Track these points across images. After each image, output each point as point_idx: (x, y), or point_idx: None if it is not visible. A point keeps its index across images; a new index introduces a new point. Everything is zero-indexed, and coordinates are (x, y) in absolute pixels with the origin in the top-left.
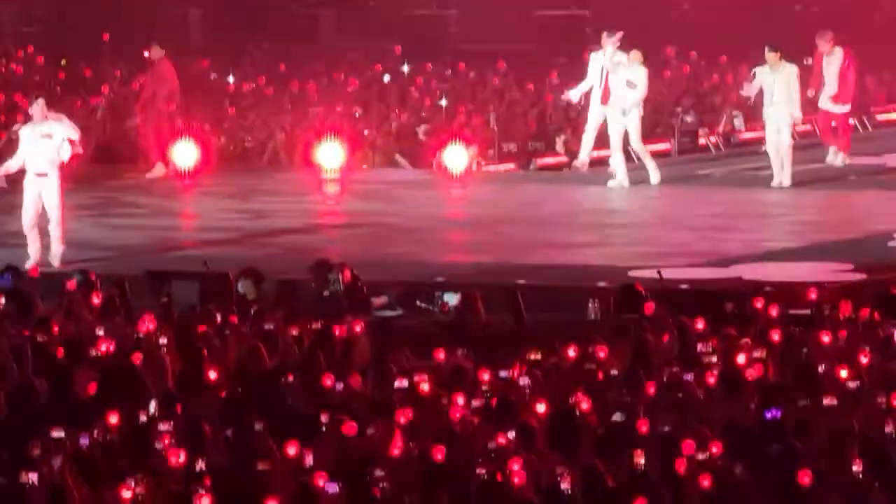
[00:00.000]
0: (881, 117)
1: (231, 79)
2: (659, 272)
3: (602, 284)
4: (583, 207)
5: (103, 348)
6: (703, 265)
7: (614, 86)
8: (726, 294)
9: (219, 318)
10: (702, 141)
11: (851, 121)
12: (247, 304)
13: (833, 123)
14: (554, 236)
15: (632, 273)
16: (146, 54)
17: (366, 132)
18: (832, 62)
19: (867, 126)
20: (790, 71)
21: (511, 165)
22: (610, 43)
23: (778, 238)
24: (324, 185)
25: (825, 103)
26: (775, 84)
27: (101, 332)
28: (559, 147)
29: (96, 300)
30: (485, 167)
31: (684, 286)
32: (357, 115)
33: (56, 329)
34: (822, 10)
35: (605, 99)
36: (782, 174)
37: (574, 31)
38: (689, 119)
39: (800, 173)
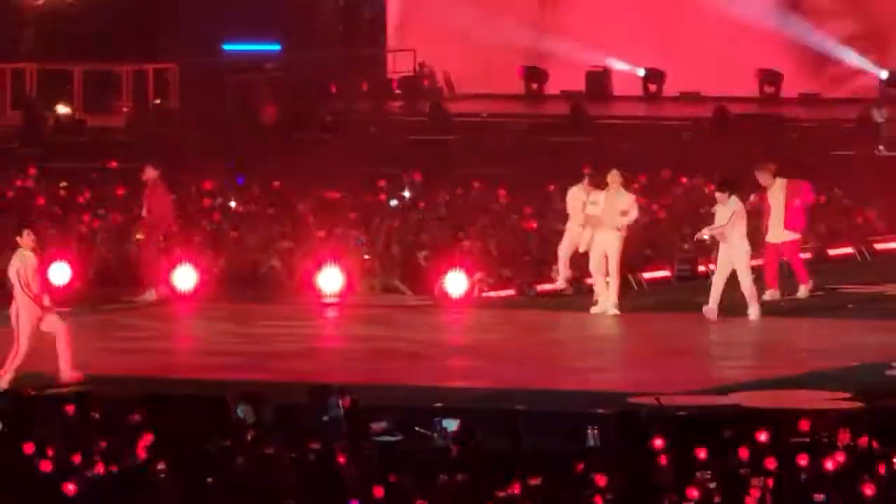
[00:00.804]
0: (880, 246)
1: (233, 203)
2: (658, 399)
3: (601, 411)
4: (582, 333)
5: (101, 472)
6: (702, 392)
7: (607, 212)
8: (725, 421)
9: (217, 443)
10: (701, 268)
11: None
12: (245, 428)
13: (783, 257)
14: (553, 362)
15: (631, 399)
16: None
17: (366, 257)
18: (775, 194)
19: (866, 255)
20: (739, 208)
21: (511, 291)
22: (618, 181)
23: (777, 365)
24: (323, 309)
25: (772, 236)
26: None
27: (98, 456)
28: (554, 273)
29: (94, 423)
30: (485, 293)
31: (683, 413)
32: (358, 240)
33: (54, 452)
34: (818, 136)
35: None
36: (752, 307)
37: (576, 155)
38: (686, 246)
39: (797, 301)
